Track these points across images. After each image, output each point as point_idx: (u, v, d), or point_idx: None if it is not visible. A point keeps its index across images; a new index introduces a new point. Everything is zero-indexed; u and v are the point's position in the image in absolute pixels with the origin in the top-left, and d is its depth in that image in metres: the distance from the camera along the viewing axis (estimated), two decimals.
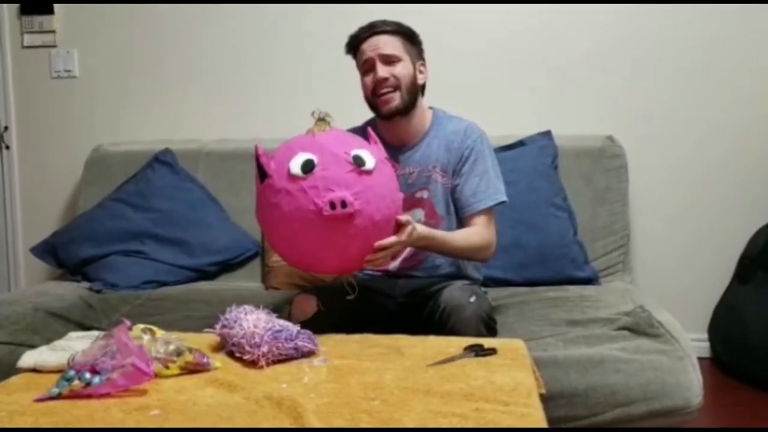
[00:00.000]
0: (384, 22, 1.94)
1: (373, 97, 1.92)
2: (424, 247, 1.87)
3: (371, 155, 1.64)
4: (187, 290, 2.46)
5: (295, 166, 1.58)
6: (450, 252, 1.90)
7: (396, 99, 1.90)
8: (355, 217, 1.57)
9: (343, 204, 1.54)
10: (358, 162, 1.60)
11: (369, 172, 1.61)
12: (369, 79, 1.92)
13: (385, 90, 1.90)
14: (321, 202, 1.54)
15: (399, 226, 1.69)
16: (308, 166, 1.57)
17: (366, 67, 1.93)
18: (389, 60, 1.90)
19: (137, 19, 2.96)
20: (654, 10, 2.71)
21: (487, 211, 1.94)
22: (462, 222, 1.96)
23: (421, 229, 1.78)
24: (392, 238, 1.66)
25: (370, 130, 1.81)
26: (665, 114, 2.75)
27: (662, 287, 2.69)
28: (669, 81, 2.74)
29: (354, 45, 1.95)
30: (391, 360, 1.46)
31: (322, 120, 1.67)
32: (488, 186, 1.94)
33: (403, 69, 1.91)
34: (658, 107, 2.75)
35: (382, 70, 1.89)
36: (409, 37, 1.95)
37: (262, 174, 1.64)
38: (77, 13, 2.99)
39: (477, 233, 1.91)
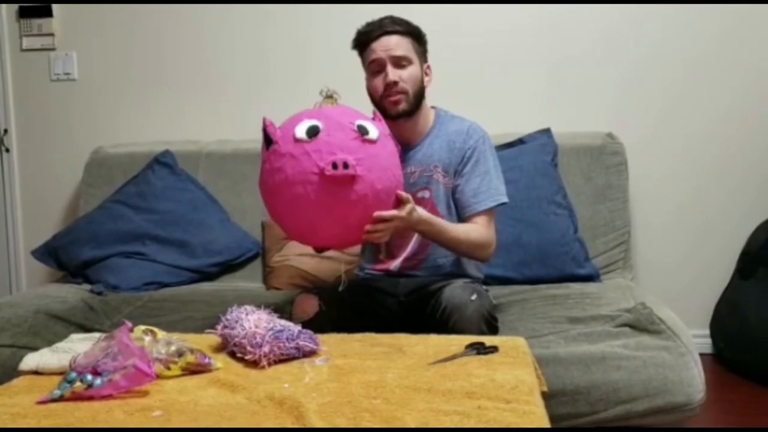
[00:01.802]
0: (393, 21, 1.92)
1: (381, 99, 1.91)
2: (423, 232, 1.86)
3: (375, 127, 1.67)
4: (188, 291, 2.46)
5: (301, 131, 1.62)
6: (448, 242, 1.88)
7: (404, 101, 1.90)
8: (356, 181, 1.59)
9: (345, 165, 1.57)
10: (362, 131, 1.64)
11: (372, 142, 1.65)
12: (378, 80, 1.91)
13: (394, 92, 1.89)
14: (323, 163, 1.57)
15: (399, 202, 1.70)
16: (313, 131, 1.61)
17: (374, 68, 1.91)
18: (399, 62, 1.89)
19: (136, 21, 2.96)
20: (654, 8, 2.71)
21: (488, 212, 1.94)
22: (463, 222, 1.96)
23: (422, 211, 1.79)
24: (392, 212, 1.67)
25: (376, 111, 1.82)
26: (665, 111, 2.75)
27: (663, 284, 2.69)
28: (669, 78, 2.74)
29: (362, 42, 1.93)
30: (393, 359, 1.46)
31: (329, 97, 1.72)
32: (489, 187, 1.94)
33: (412, 72, 1.90)
34: (657, 104, 2.75)
35: (393, 74, 1.88)
36: (418, 37, 1.94)
37: (268, 142, 1.67)
38: (76, 16, 2.99)
39: (477, 230, 1.91)
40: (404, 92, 1.89)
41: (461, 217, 1.96)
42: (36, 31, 3.01)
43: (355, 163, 1.59)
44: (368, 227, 1.65)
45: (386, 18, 1.93)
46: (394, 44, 1.89)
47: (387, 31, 1.90)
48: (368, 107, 1.98)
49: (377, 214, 1.64)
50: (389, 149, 1.71)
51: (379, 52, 1.89)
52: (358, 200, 1.61)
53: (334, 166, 1.57)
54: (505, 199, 1.96)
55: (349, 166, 1.57)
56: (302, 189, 1.60)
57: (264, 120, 1.68)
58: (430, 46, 2.00)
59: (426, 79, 1.96)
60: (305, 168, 1.59)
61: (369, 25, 1.93)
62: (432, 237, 1.87)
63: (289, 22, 2.89)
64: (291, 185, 1.61)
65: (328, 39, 2.84)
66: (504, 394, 1.25)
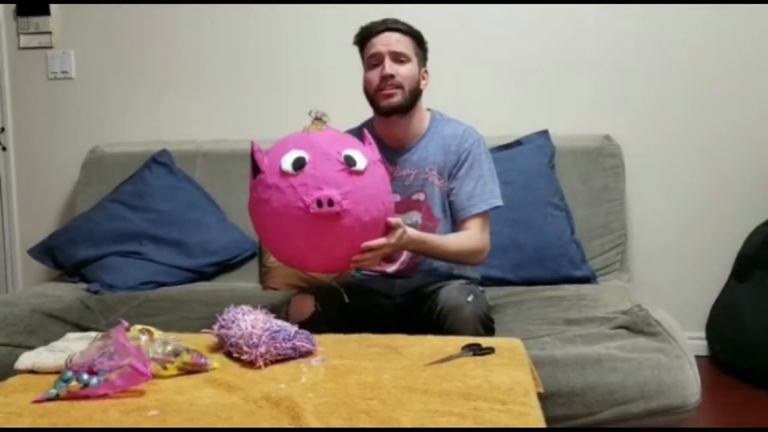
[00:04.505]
0: (397, 21, 1.93)
1: (375, 92, 1.91)
2: (415, 251, 1.88)
3: (363, 156, 1.65)
4: (185, 291, 2.45)
5: (287, 163, 1.60)
6: (442, 256, 1.90)
7: (398, 96, 1.90)
8: (342, 216, 1.58)
9: (330, 203, 1.56)
10: (349, 162, 1.61)
11: (360, 173, 1.62)
12: (374, 73, 1.90)
13: (389, 86, 1.89)
14: (309, 199, 1.56)
15: (389, 229, 1.69)
16: (299, 164, 1.59)
17: (373, 61, 1.92)
18: (398, 58, 1.89)
19: (134, 20, 2.96)
20: (652, 9, 2.71)
21: (482, 215, 1.94)
22: (457, 225, 1.96)
23: (412, 232, 1.79)
24: (380, 240, 1.67)
25: (366, 131, 1.81)
26: (662, 113, 2.76)
27: (659, 286, 2.69)
28: (666, 80, 2.74)
29: (364, 37, 1.94)
30: (389, 359, 1.46)
31: (318, 119, 1.69)
32: (484, 190, 1.95)
33: (410, 70, 1.91)
34: (655, 106, 2.76)
35: (390, 67, 1.88)
36: (419, 40, 1.95)
37: (256, 169, 1.66)
38: (74, 14, 2.99)
39: (470, 237, 1.91)
40: (399, 86, 1.89)
41: (456, 220, 1.96)
42: (33, 29, 3.00)
43: (341, 198, 1.57)
44: (356, 257, 1.66)
45: (389, 18, 1.94)
46: (395, 40, 1.90)
47: (390, 27, 1.92)
48: (362, 112, 1.98)
49: (365, 245, 1.64)
50: (378, 176, 1.69)
51: (379, 46, 1.90)
52: (344, 234, 1.60)
53: (319, 204, 1.56)
54: (499, 203, 1.96)
55: (334, 203, 1.56)
56: (287, 222, 1.59)
57: (252, 145, 1.67)
58: (429, 47, 2.00)
59: (423, 82, 1.97)
60: (290, 202, 1.58)
61: (372, 22, 1.95)
62: (425, 254, 1.89)
63: (288, 22, 2.88)
64: (277, 218, 1.61)
65: (326, 39, 2.84)
66: (500, 395, 1.25)
